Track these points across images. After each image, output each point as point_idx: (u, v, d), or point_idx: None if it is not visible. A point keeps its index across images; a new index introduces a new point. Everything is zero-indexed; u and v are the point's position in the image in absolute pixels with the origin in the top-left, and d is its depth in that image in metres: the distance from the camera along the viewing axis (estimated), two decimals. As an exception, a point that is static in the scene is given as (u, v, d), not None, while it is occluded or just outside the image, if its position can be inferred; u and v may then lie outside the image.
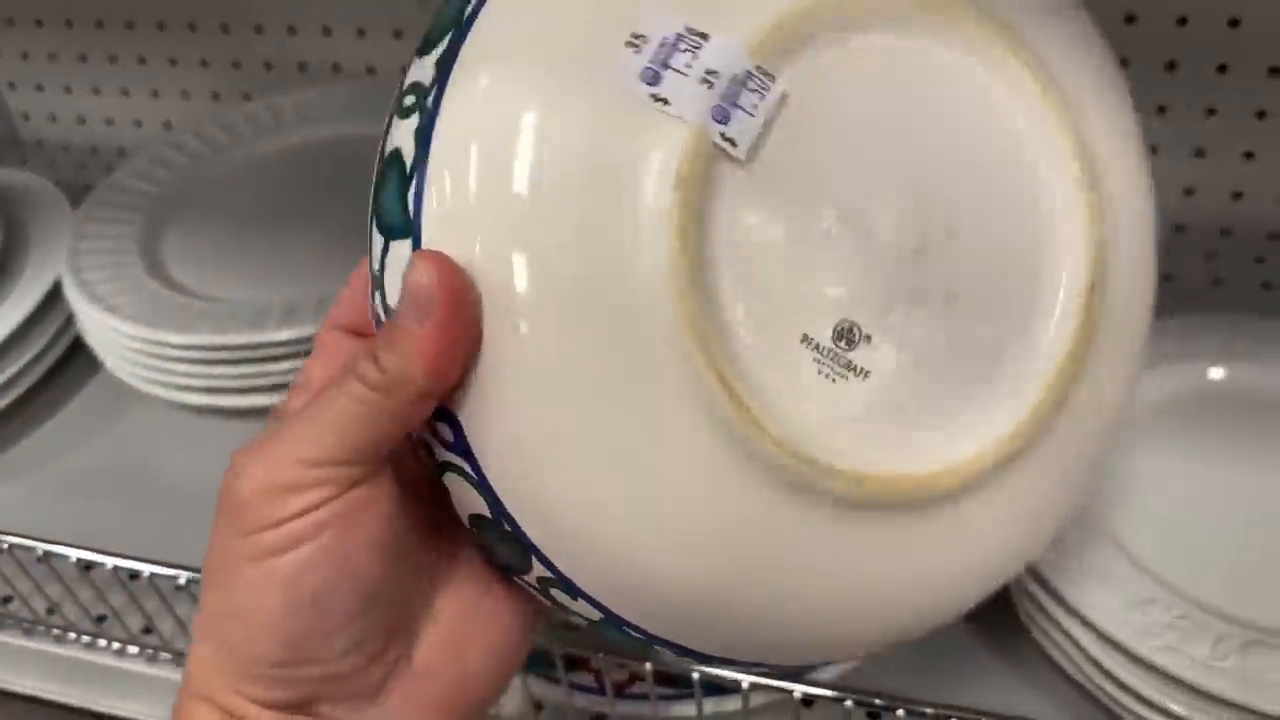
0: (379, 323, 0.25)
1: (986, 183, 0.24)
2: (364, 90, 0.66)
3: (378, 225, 0.24)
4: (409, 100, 0.24)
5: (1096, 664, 0.37)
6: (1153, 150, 0.58)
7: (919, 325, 0.24)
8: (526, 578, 0.26)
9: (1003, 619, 0.42)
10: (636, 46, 0.22)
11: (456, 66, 0.23)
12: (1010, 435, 0.24)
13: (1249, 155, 0.57)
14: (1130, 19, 0.54)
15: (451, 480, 0.25)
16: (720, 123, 0.22)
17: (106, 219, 0.60)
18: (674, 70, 0.22)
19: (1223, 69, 0.55)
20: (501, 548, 0.25)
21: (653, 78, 0.22)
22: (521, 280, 0.22)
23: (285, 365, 0.52)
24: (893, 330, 0.24)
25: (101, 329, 0.54)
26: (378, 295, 0.25)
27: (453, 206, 0.23)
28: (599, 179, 0.22)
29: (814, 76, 0.23)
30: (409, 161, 0.23)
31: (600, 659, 0.38)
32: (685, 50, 0.22)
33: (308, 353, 0.50)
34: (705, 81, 0.22)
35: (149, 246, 0.59)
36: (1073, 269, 0.25)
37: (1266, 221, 0.58)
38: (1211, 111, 0.56)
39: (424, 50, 0.24)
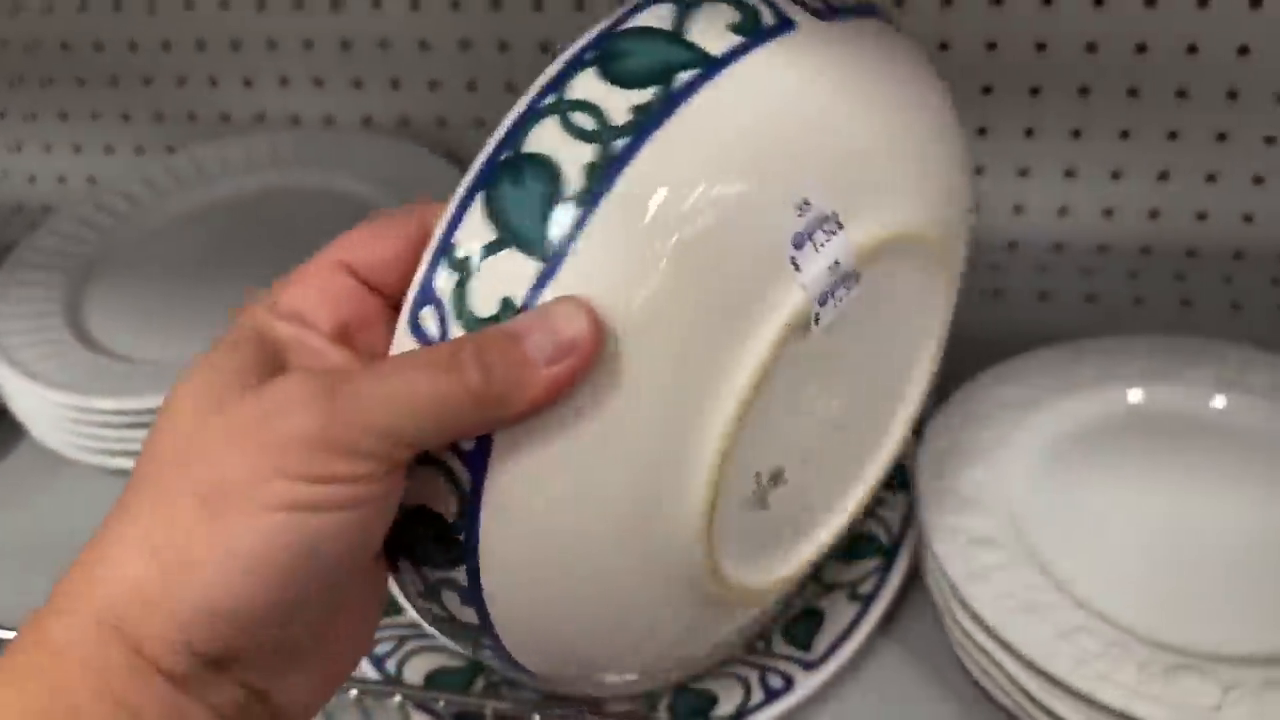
0: (429, 298, 0.24)
1: (893, 384, 0.31)
2: (288, 139, 0.66)
3: (492, 216, 0.23)
4: (585, 122, 0.24)
5: (1028, 694, 0.37)
6: (1071, 173, 0.60)
7: (806, 479, 0.29)
8: (426, 571, 0.26)
9: (937, 650, 0.42)
10: (801, 212, 0.25)
11: (659, 136, 0.23)
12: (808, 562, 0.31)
13: (1164, 175, 0.58)
14: (1041, 46, 0.56)
15: (429, 474, 0.25)
16: (820, 304, 0.26)
17: (29, 281, 0.59)
18: (812, 245, 0.25)
19: (1133, 93, 0.56)
20: (433, 545, 0.26)
21: (799, 243, 0.25)
22: (631, 357, 0.24)
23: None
24: (797, 479, 0.28)
25: (26, 396, 0.53)
26: (453, 276, 0.24)
27: (607, 269, 0.23)
28: (730, 300, 0.24)
29: (869, 281, 0.27)
30: (568, 188, 0.23)
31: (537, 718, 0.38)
32: (827, 232, 0.25)
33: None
34: (831, 269, 0.25)
35: (73, 307, 0.58)
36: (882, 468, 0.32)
37: (1185, 239, 0.60)
38: (1125, 134, 0.57)
39: (617, 77, 0.24)
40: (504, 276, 0.23)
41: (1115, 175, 0.59)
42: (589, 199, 0.23)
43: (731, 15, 0.25)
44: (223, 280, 0.59)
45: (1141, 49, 0.55)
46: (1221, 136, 0.56)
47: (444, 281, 0.24)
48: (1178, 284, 0.59)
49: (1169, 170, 0.58)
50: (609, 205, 0.23)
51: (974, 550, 0.40)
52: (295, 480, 0.22)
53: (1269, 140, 0.56)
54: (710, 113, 0.24)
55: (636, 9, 0.25)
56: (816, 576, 0.43)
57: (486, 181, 0.24)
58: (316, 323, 0.26)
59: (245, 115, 0.68)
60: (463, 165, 0.63)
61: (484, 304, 0.23)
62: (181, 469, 0.23)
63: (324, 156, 0.65)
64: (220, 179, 0.65)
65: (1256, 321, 0.56)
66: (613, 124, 0.23)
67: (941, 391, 0.47)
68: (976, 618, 0.38)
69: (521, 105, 0.24)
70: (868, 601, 0.41)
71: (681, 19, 0.25)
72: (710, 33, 0.24)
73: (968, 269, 0.61)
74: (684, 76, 0.24)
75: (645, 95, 0.23)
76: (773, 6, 0.25)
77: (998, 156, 0.59)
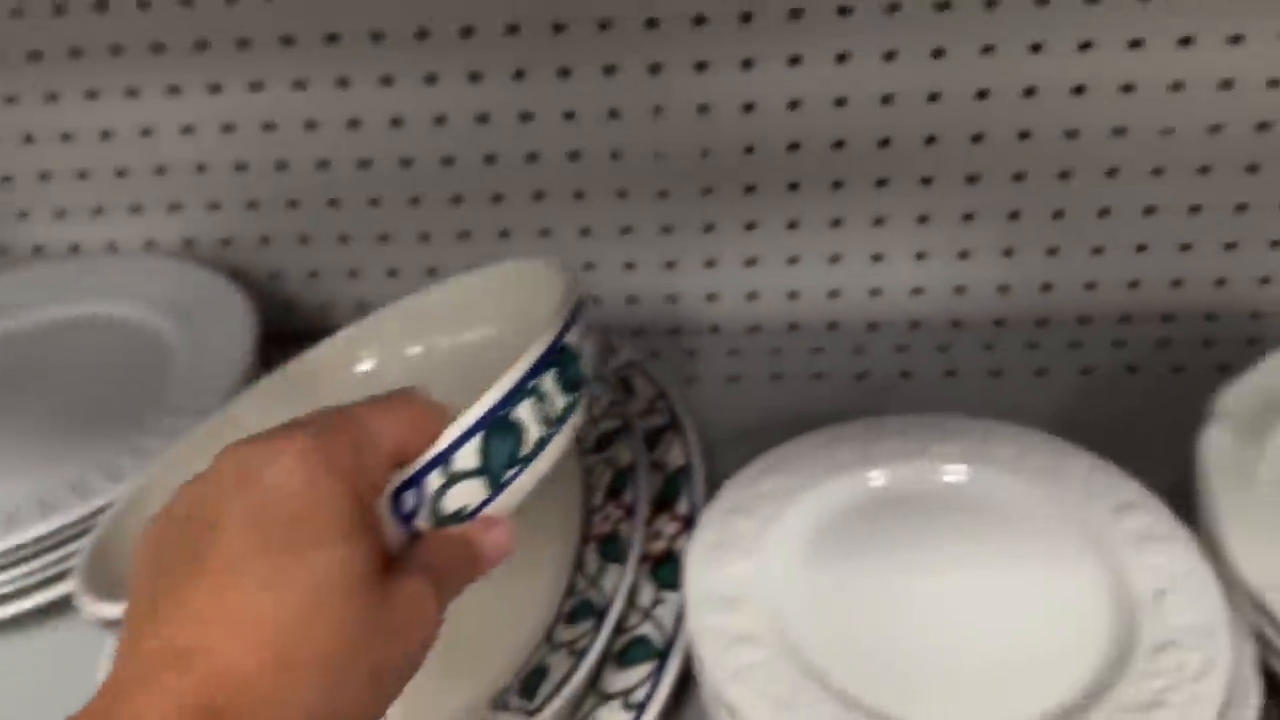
0: (417, 486, 0.31)
1: None
2: (69, 269, 0.63)
3: (482, 452, 0.32)
4: (543, 411, 0.34)
5: (794, 791, 0.37)
6: (835, 260, 0.61)
7: None
8: None
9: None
10: None
11: (563, 431, 0.35)
12: None
13: (920, 256, 0.60)
14: (794, 146, 0.57)
15: None
16: None
17: None
18: None
19: (882, 183, 0.58)
20: None
21: None
22: None
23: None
24: None
25: None
26: (441, 480, 0.31)
27: (514, 502, 0.33)
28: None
29: None
30: (523, 450, 0.33)
31: None
32: None
33: (14, 563, 0.47)
34: None
35: None
36: None
37: (947, 312, 0.62)
38: (879, 221, 0.59)
39: (561, 382, 0.34)
40: (468, 493, 0.32)
41: (876, 259, 0.61)
42: (528, 461, 0.33)
43: (594, 352, 0.39)
44: (8, 422, 0.56)
45: (884, 142, 0.57)
46: (968, 217, 0.59)
47: (433, 481, 0.31)
48: (942, 356, 0.60)
49: (926, 251, 0.60)
50: (535, 465, 0.33)
51: (736, 649, 0.39)
52: (413, 672, 0.29)
53: (1013, 216, 0.59)
54: (575, 421, 0.36)
55: (573, 319, 0.35)
56: (595, 687, 0.42)
57: (487, 426, 0.32)
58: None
59: (23, 248, 0.64)
60: (248, 283, 0.62)
61: (449, 506, 0.32)
62: (359, 647, 0.27)
63: (106, 284, 0.62)
64: (-2, 315, 0.61)
65: (1017, 389, 0.58)
66: (552, 417, 0.34)
67: (714, 485, 0.47)
68: (738, 718, 0.38)
69: (517, 377, 0.33)
70: (640, 710, 0.40)
71: (580, 346, 0.36)
72: (588, 364, 0.37)
73: (747, 356, 0.62)
74: (576, 394, 0.35)
75: (565, 401, 0.34)
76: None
77: (768, 246, 0.61)
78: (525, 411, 0.33)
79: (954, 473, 0.45)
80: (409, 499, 0.31)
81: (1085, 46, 0.53)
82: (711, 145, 0.57)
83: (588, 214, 0.60)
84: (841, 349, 0.61)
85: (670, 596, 0.44)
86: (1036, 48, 0.53)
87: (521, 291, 0.42)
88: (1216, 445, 0.44)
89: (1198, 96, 0.54)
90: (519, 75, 0.56)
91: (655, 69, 0.55)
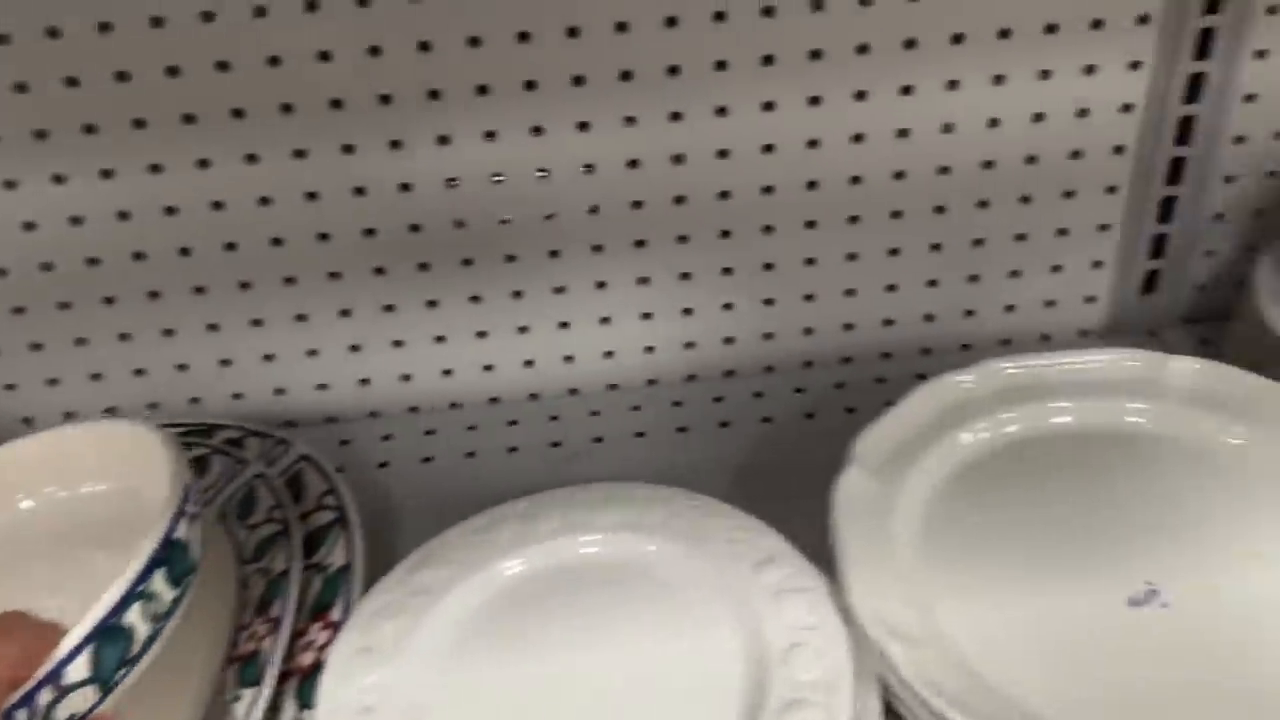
0: (28, 705, 0.31)
1: None
2: None
3: (92, 663, 0.32)
4: (151, 610, 0.34)
5: None
6: (524, 330, 0.59)
7: None
8: None
9: None
10: None
11: (171, 621, 0.36)
12: None
13: (606, 320, 0.59)
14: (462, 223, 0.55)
15: None
16: None
17: None
18: None
19: (555, 253, 0.57)
20: None
21: None
22: None
23: None
24: None
25: None
26: (52, 694, 0.32)
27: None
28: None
29: None
30: (133, 649, 0.34)
31: None
32: None
33: None
34: None
35: None
36: None
37: (641, 372, 0.61)
38: (560, 290, 0.58)
39: (170, 578, 0.35)
40: (79, 700, 0.32)
41: (564, 325, 0.59)
42: (137, 660, 0.34)
43: (200, 531, 0.38)
44: None
45: (550, 216, 0.55)
46: (643, 280, 0.58)
47: (44, 697, 0.31)
48: (634, 416, 0.59)
49: (611, 315, 0.59)
50: (144, 660, 0.34)
51: (361, 769, 0.36)
52: None
53: (685, 276, 0.58)
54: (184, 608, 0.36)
55: (180, 511, 0.36)
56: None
57: (98, 638, 0.32)
58: None
59: None
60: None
61: (60, 716, 0.32)
62: None
63: None
64: None
65: (703, 443, 0.57)
66: (160, 613, 0.35)
67: (371, 584, 0.44)
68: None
69: (125, 586, 0.33)
70: None
71: (189, 535, 0.37)
72: (196, 547, 0.37)
73: (443, 435, 0.59)
74: (185, 583, 0.36)
75: (174, 594, 0.35)
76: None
77: (454, 322, 0.59)
78: (134, 615, 0.34)
79: (600, 544, 0.43)
80: (21, 717, 0.31)
81: (768, 107, 0.53)
82: (377, 224, 0.55)
83: (257, 304, 0.57)
84: (538, 419, 0.60)
85: (310, 715, 0.40)
86: (722, 110, 0.53)
87: (133, 449, 0.42)
88: (851, 490, 0.44)
89: (834, 150, 0.55)
90: (155, 169, 0.52)
91: (300, 154, 0.52)
